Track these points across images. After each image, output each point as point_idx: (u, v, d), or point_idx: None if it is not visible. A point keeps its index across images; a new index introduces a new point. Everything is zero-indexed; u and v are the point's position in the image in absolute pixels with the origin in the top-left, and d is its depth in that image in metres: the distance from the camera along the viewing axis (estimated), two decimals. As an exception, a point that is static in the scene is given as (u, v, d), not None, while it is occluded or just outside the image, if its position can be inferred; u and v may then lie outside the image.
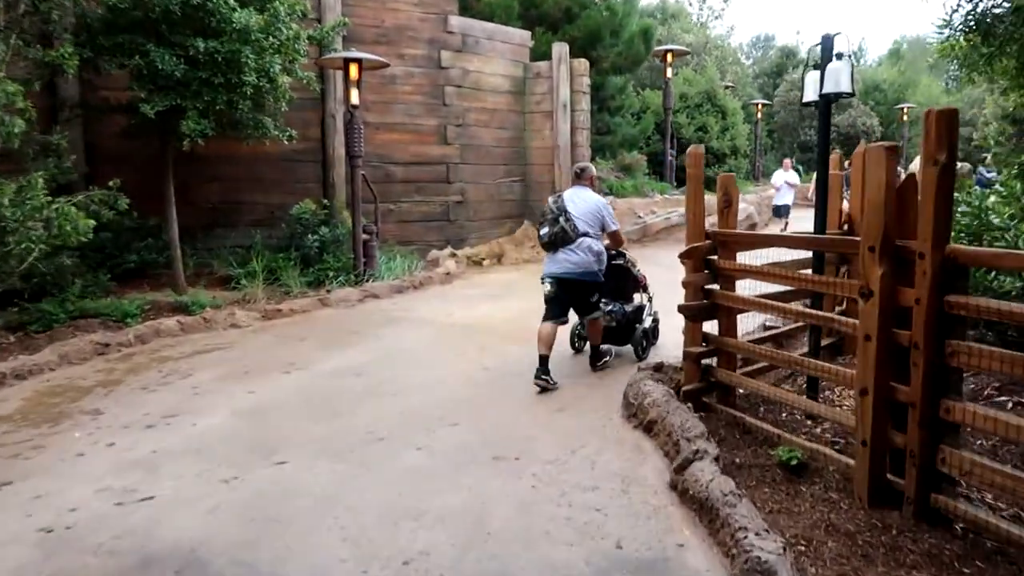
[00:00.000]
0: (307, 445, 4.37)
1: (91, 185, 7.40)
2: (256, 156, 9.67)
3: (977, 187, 6.62)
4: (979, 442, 3.90)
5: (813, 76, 4.42)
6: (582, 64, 12.92)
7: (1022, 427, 2.84)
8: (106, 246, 8.36)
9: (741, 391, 4.66)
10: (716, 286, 4.57)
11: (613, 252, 6.07)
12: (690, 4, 34.54)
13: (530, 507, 3.53)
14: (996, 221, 4.57)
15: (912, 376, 3.20)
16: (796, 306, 4.93)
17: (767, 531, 2.94)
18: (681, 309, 4.55)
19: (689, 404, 4.42)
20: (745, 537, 2.89)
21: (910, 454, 3.24)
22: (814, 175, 16.41)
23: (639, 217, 13.75)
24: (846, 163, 9.01)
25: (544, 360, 5.42)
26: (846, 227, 5.88)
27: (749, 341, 4.80)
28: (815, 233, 4.53)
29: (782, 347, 5.57)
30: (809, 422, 4.46)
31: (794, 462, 3.72)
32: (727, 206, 4.50)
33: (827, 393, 4.88)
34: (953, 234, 3.98)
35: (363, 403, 5.16)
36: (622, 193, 14.32)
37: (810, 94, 4.47)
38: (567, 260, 5.52)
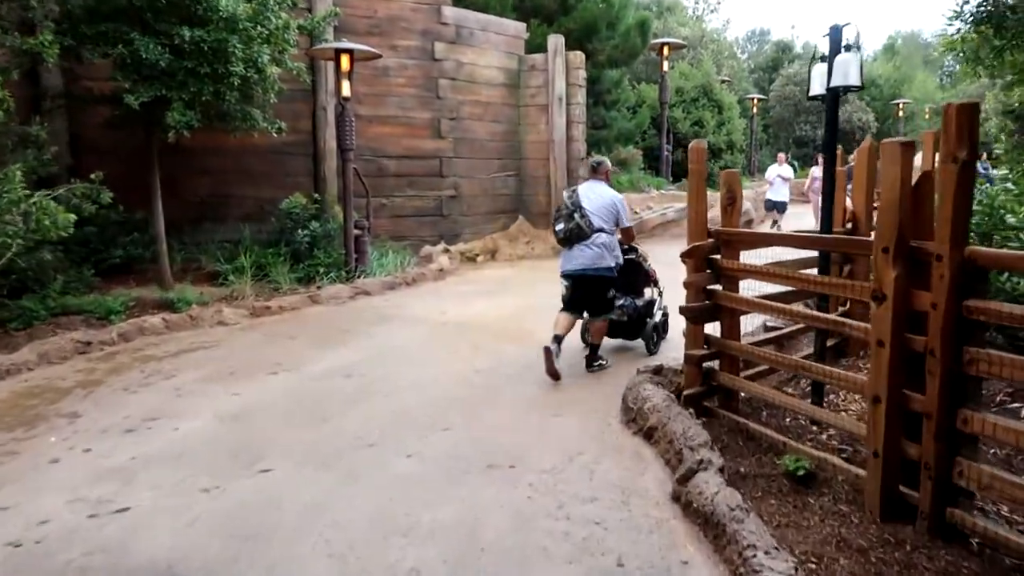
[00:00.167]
0: (293, 451, 4.19)
1: (74, 178, 7.18)
2: (245, 149, 9.45)
3: (987, 184, 6.47)
4: (992, 451, 3.75)
5: (820, 69, 4.25)
6: (578, 57, 12.73)
7: (1047, 440, 2.69)
8: (91, 241, 8.15)
9: (743, 395, 4.50)
10: (719, 286, 4.41)
11: (626, 247, 6.07)
12: (686, -3, 34.32)
13: (526, 520, 3.36)
14: (1012, 220, 4.41)
15: (928, 385, 3.04)
16: (802, 308, 4.78)
17: (777, 549, 2.78)
18: (683, 311, 4.38)
19: (690, 410, 4.26)
20: (754, 556, 2.73)
21: (925, 466, 3.08)
22: (810, 171, 16.26)
23: (635, 213, 13.57)
24: (849, 158, 8.84)
25: (559, 340, 5.51)
26: (849, 225, 5.73)
27: (751, 343, 4.64)
28: (821, 232, 4.36)
29: (783, 348, 5.42)
30: (814, 428, 4.31)
31: (801, 472, 3.56)
32: (731, 203, 4.33)
33: (831, 397, 4.73)
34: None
35: (353, 406, 4.98)
36: (618, 188, 14.03)
37: (816, 87, 4.30)
38: (582, 256, 5.49)
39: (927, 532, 3.09)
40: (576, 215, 5.47)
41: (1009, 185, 4.90)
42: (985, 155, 12.37)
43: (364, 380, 5.56)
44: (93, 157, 8.52)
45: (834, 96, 4.15)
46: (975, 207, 4.81)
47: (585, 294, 5.61)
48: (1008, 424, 2.84)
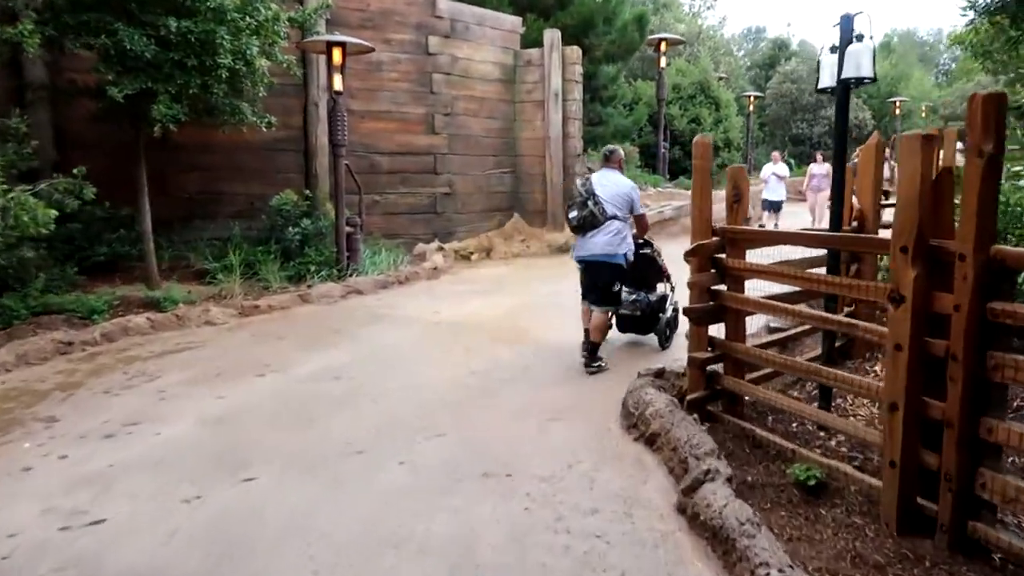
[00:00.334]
0: (278, 458, 4.00)
1: (58, 173, 6.98)
2: (235, 144, 9.24)
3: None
4: (1010, 459, 3.59)
5: (830, 60, 4.08)
6: (575, 52, 12.54)
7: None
8: (75, 237, 7.93)
9: (748, 398, 4.33)
10: (723, 287, 4.23)
11: (640, 241, 6.10)
12: (682, -6, 34.13)
13: (524, 534, 3.18)
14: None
15: (949, 391, 2.87)
16: (810, 309, 4.62)
17: (791, 567, 2.61)
18: (687, 312, 4.20)
19: (694, 415, 4.08)
20: (767, 574, 2.56)
21: (945, 477, 2.91)
22: (808, 168, 16.06)
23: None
24: (852, 155, 8.70)
25: (588, 333, 5.68)
26: (855, 223, 5.57)
27: (756, 346, 4.47)
28: (831, 230, 4.20)
29: (786, 350, 5.26)
30: (822, 433, 4.14)
31: (812, 482, 3.39)
32: (737, 200, 4.16)
33: (838, 401, 4.56)
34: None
35: (342, 410, 4.79)
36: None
37: (826, 79, 4.14)
38: (595, 243, 5.56)
39: (947, 547, 2.92)
40: (590, 202, 5.51)
41: (1022, 183, 4.73)
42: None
43: (354, 382, 5.38)
44: (78, 151, 8.29)
45: (845, 88, 3.98)
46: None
47: (597, 280, 5.67)
48: (1036, 434, 2.67)
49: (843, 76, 3.89)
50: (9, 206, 5.66)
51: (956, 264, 2.81)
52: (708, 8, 39.05)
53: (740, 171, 4.20)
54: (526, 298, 8.47)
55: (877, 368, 5.09)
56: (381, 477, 3.78)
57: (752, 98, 23.56)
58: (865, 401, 4.42)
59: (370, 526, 3.27)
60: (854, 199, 5.73)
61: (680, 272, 4.88)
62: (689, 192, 13.17)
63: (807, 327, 4.77)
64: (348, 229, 9.12)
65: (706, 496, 3.11)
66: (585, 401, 4.92)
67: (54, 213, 6.04)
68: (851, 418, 4.33)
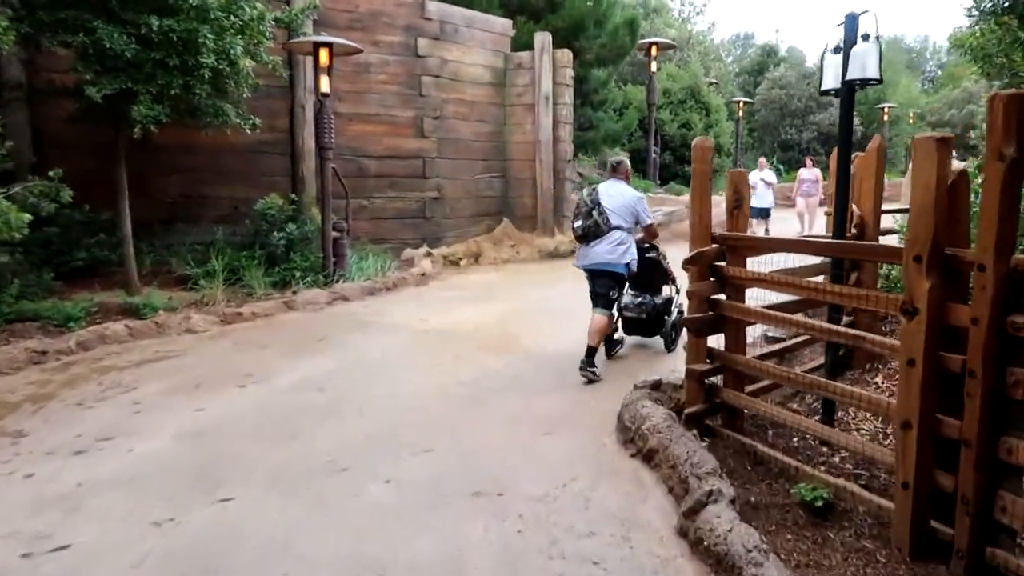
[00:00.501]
0: (258, 476, 3.81)
1: (35, 175, 6.75)
2: (219, 147, 9.01)
3: None
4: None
5: (834, 60, 3.94)
6: (565, 55, 12.39)
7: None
8: (52, 242, 7.71)
9: (748, 410, 4.17)
10: (722, 296, 4.07)
11: (646, 245, 6.16)
12: None
13: (516, 558, 3.00)
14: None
15: (967, 409, 2.72)
16: (807, 318, 4.47)
17: (802, 599, 2.45)
18: (686, 323, 4.04)
19: (694, 430, 3.91)
20: (777, 607, 2.39)
21: (962, 500, 2.76)
22: (797, 173, 15.96)
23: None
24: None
25: (591, 351, 5.58)
26: (855, 230, 5.43)
27: (755, 357, 4.31)
28: (834, 237, 4.05)
29: (783, 360, 5.11)
30: (825, 449, 3.99)
31: (819, 503, 3.22)
32: (737, 206, 4.00)
33: (840, 414, 4.40)
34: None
35: (325, 423, 4.59)
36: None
37: (830, 81, 3.99)
38: (596, 252, 5.62)
39: (963, 573, 2.77)
40: (594, 212, 5.58)
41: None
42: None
43: (339, 394, 5.18)
44: (56, 152, 8.08)
45: (850, 90, 3.84)
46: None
47: (595, 289, 5.74)
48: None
49: (848, 77, 3.75)
50: (-21, 210, 5.43)
51: (975, 275, 2.66)
52: (698, 13, 39.12)
53: (741, 175, 4.05)
54: (516, 304, 8.30)
55: (879, 379, 4.95)
56: (366, 496, 3.59)
57: (741, 104, 23.54)
58: (869, 415, 4.28)
59: (353, 549, 3.08)
60: (853, 205, 5.59)
61: (679, 275, 4.74)
62: (680, 197, 13.10)
63: (806, 337, 4.62)
64: (335, 234, 8.92)
65: (709, 520, 2.94)
66: (579, 413, 4.74)
67: (28, 217, 5.80)
68: (854, 432, 4.19)
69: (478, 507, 3.45)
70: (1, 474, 3.83)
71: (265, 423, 4.60)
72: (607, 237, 5.55)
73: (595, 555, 3.00)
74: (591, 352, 5.50)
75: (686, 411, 4.11)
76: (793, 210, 15.49)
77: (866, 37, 3.70)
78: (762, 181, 14.49)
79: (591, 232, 5.57)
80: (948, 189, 2.80)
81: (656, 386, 4.55)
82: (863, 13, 3.75)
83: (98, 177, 7.55)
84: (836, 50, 3.90)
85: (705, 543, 2.89)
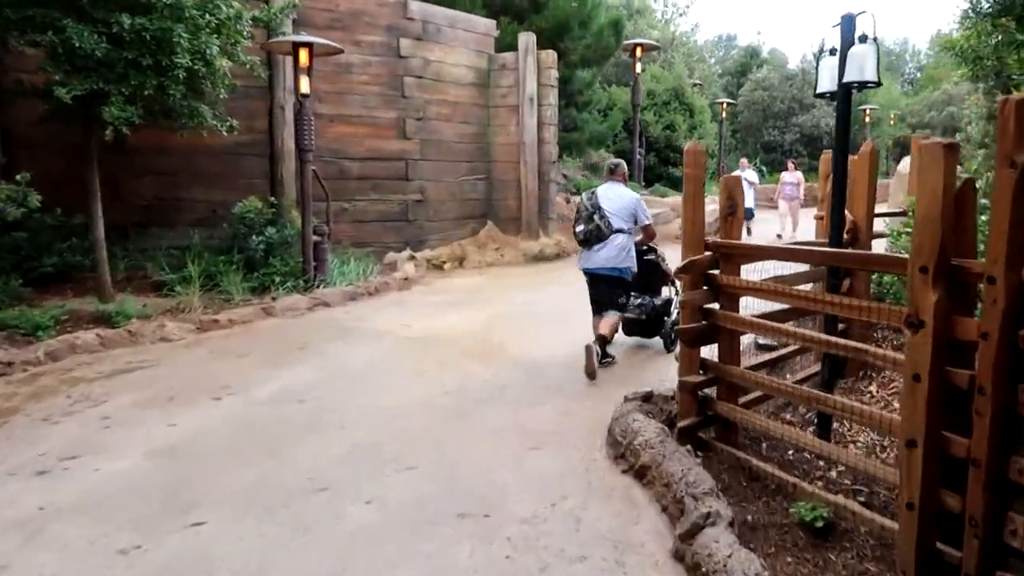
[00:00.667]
0: (232, 497, 3.62)
1: (3, 179, 6.51)
2: (196, 149, 8.78)
3: None
4: None
5: (830, 63, 3.82)
6: (550, 56, 12.24)
7: None
8: (21, 247, 7.48)
9: (743, 424, 4.04)
10: (715, 305, 3.95)
11: (645, 247, 6.22)
12: (654, 0, 34.11)
13: (504, 586, 2.85)
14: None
15: (976, 427, 2.60)
16: (809, 327, 4.35)
17: (809, 632, 2.31)
18: (680, 334, 3.90)
19: (687, 446, 3.78)
20: (782, 641, 2.26)
21: (971, 522, 2.64)
22: (780, 175, 15.93)
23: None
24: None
25: (603, 341, 5.70)
26: (847, 236, 5.32)
27: (748, 367, 4.18)
28: (830, 245, 3.93)
29: (772, 370, 4.99)
30: (821, 463, 3.87)
31: (820, 523, 3.10)
32: (731, 212, 3.87)
33: (835, 425, 4.28)
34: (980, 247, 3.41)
35: (304, 438, 4.41)
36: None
37: (826, 83, 3.87)
38: (600, 256, 5.70)
39: (973, 598, 2.64)
40: (596, 216, 5.66)
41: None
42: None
43: (319, 405, 5.00)
44: (27, 154, 7.87)
45: (847, 93, 3.72)
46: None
47: (603, 291, 5.82)
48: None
49: (845, 80, 3.62)
50: (-60, 215, 5.20)
51: (984, 287, 2.54)
52: (681, 15, 39.15)
53: (735, 180, 3.92)
54: (501, 309, 8.14)
55: (872, 388, 4.85)
56: (346, 518, 3.42)
57: (725, 105, 23.54)
58: (865, 427, 4.16)
59: (333, 579, 2.91)
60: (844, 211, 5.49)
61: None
62: (665, 199, 12.92)
63: (797, 347, 4.51)
64: (315, 238, 8.71)
65: (707, 544, 2.80)
66: (568, 425, 4.59)
67: (-8, 222, 5.59)
68: (850, 446, 4.08)
69: (464, 530, 3.29)
70: (-42, 497, 3.62)
71: (241, 438, 4.41)
72: (610, 241, 5.64)
73: (588, 582, 2.86)
74: (604, 342, 5.71)
75: (679, 425, 3.97)
76: (776, 211, 15.49)
77: (864, 38, 3.59)
78: (745, 181, 14.45)
79: (593, 236, 5.65)
80: (954, 197, 2.69)
81: (647, 398, 4.41)
82: (860, 14, 3.64)
83: (70, 179, 7.35)
84: (832, 52, 3.78)
85: (703, 569, 2.75)
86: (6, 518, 3.40)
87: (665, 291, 6.50)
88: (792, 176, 14.99)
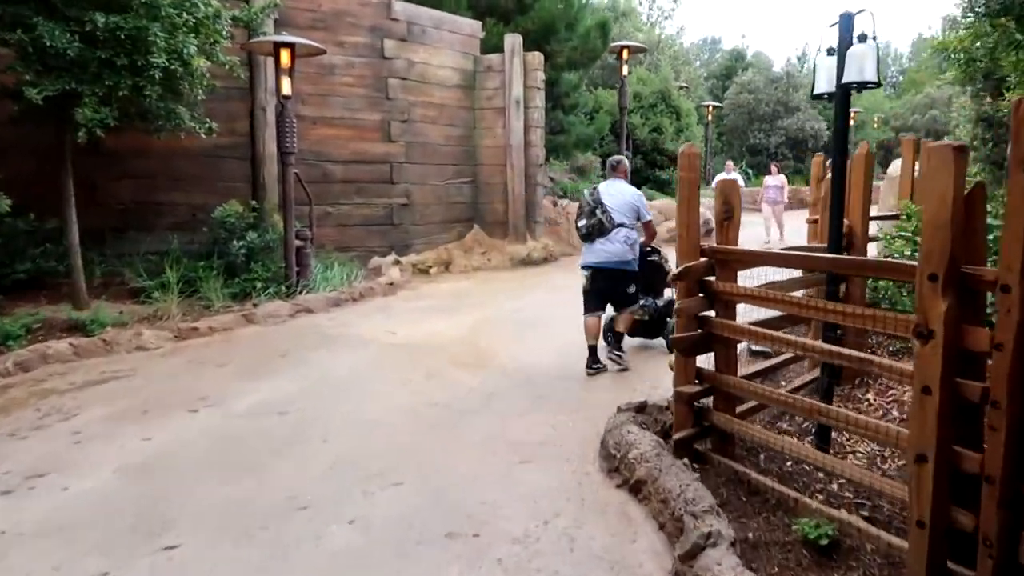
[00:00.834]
0: (208, 518, 3.44)
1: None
2: (175, 151, 8.59)
3: None
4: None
5: (828, 63, 3.70)
6: (536, 58, 12.12)
7: None
8: (-9, 253, 7.23)
9: (741, 436, 3.91)
10: (711, 313, 3.82)
11: (648, 248, 6.25)
12: (640, 3, 34.11)
13: (495, 613, 2.69)
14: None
15: (989, 442, 2.48)
16: (807, 333, 4.24)
17: (820, 664, 2.17)
18: (675, 342, 3.77)
19: (684, 459, 3.64)
20: (793, 675, 2.12)
21: (984, 542, 2.52)
22: (764, 179, 15.89)
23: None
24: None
25: (593, 349, 5.77)
26: (843, 240, 5.22)
27: (744, 376, 4.05)
28: (829, 250, 3.81)
29: (767, 377, 4.87)
30: (821, 475, 3.75)
31: (824, 541, 2.97)
32: (728, 217, 3.75)
33: (833, 435, 4.17)
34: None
35: (285, 453, 4.23)
36: (577, 197, 13.57)
37: (823, 84, 3.75)
38: (603, 250, 5.69)
39: (986, 621, 2.52)
40: (598, 211, 5.67)
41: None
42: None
43: (301, 417, 4.82)
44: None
45: (845, 93, 3.60)
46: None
47: (606, 287, 5.80)
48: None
49: (844, 80, 3.51)
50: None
51: (998, 296, 2.42)
52: (666, 18, 39.22)
53: (732, 185, 3.80)
54: (489, 314, 7.99)
55: (870, 396, 4.74)
56: (328, 539, 3.25)
57: (711, 108, 23.53)
58: (865, 437, 4.04)
59: (313, 607, 2.74)
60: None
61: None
62: (652, 203, 12.77)
63: (791, 355, 4.38)
64: (298, 242, 8.53)
65: (709, 567, 2.66)
66: (559, 437, 4.45)
67: (-42, 228, 5.37)
68: (849, 456, 3.96)
69: (453, 551, 3.13)
70: (-85, 521, 3.42)
71: (219, 453, 4.23)
72: (613, 234, 5.64)
73: (583, 608, 2.71)
74: (619, 338, 5.92)
75: (675, 437, 3.83)
76: (759, 215, 15.43)
77: (863, 38, 3.47)
78: None
79: (595, 230, 5.66)
80: (964, 201, 2.57)
81: (641, 408, 4.28)
82: (859, 12, 3.53)
83: (43, 182, 7.12)
84: (831, 52, 3.67)
85: (705, 594, 2.61)
86: (-35, 543, 3.21)
87: (668, 292, 6.45)
88: (775, 179, 14.93)
